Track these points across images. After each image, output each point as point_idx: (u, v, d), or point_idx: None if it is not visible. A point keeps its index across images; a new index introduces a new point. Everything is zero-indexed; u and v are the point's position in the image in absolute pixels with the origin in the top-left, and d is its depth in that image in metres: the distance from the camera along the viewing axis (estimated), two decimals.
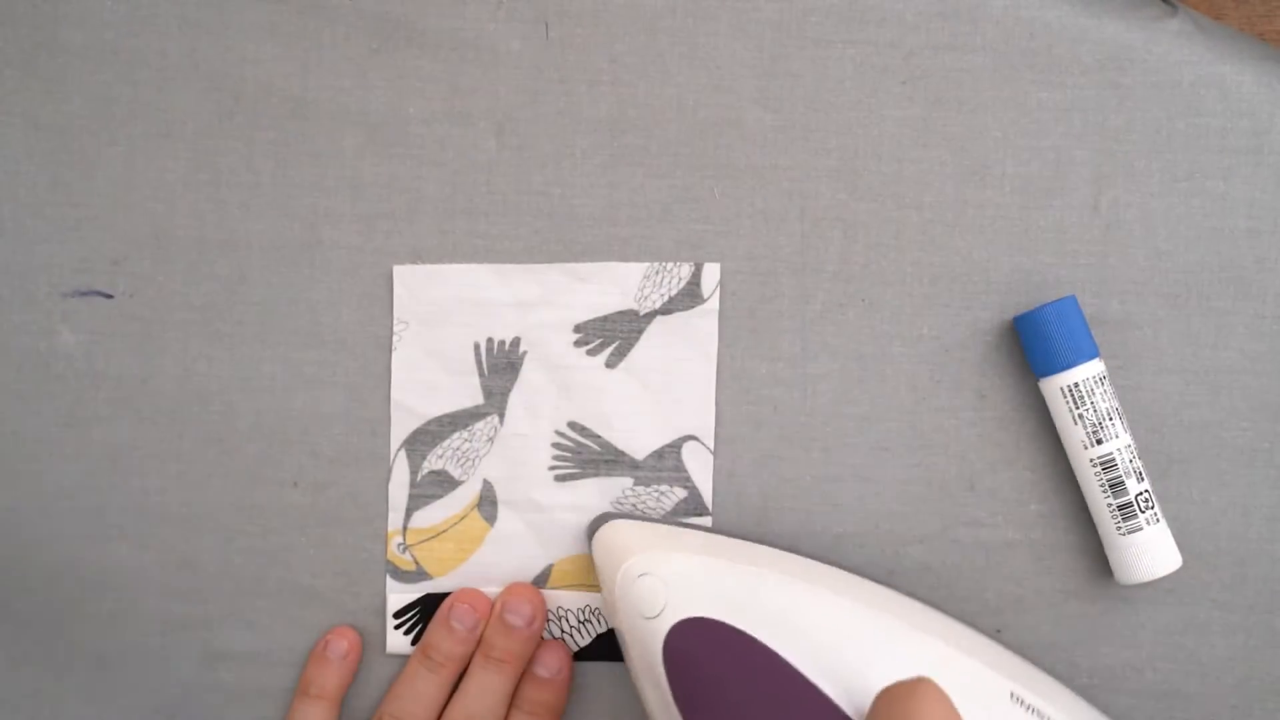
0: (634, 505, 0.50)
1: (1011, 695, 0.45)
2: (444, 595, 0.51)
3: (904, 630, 0.46)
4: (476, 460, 0.51)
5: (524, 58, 0.50)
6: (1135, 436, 0.50)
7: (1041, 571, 0.50)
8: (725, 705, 0.45)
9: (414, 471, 0.51)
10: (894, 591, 0.49)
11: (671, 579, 0.47)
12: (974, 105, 0.50)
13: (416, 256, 0.50)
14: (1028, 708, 0.45)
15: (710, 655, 0.45)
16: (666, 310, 0.50)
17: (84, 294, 0.50)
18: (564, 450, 0.51)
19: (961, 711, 0.42)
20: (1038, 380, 0.49)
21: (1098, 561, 0.50)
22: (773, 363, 0.50)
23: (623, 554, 0.48)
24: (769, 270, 0.50)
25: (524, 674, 0.50)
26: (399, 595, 0.51)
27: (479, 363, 0.50)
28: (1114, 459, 0.48)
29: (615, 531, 0.49)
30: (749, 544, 0.49)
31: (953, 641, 0.47)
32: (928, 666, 0.45)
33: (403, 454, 0.51)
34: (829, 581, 0.47)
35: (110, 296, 0.50)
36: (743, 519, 0.50)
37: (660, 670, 0.46)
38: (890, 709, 0.39)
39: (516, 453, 0.51)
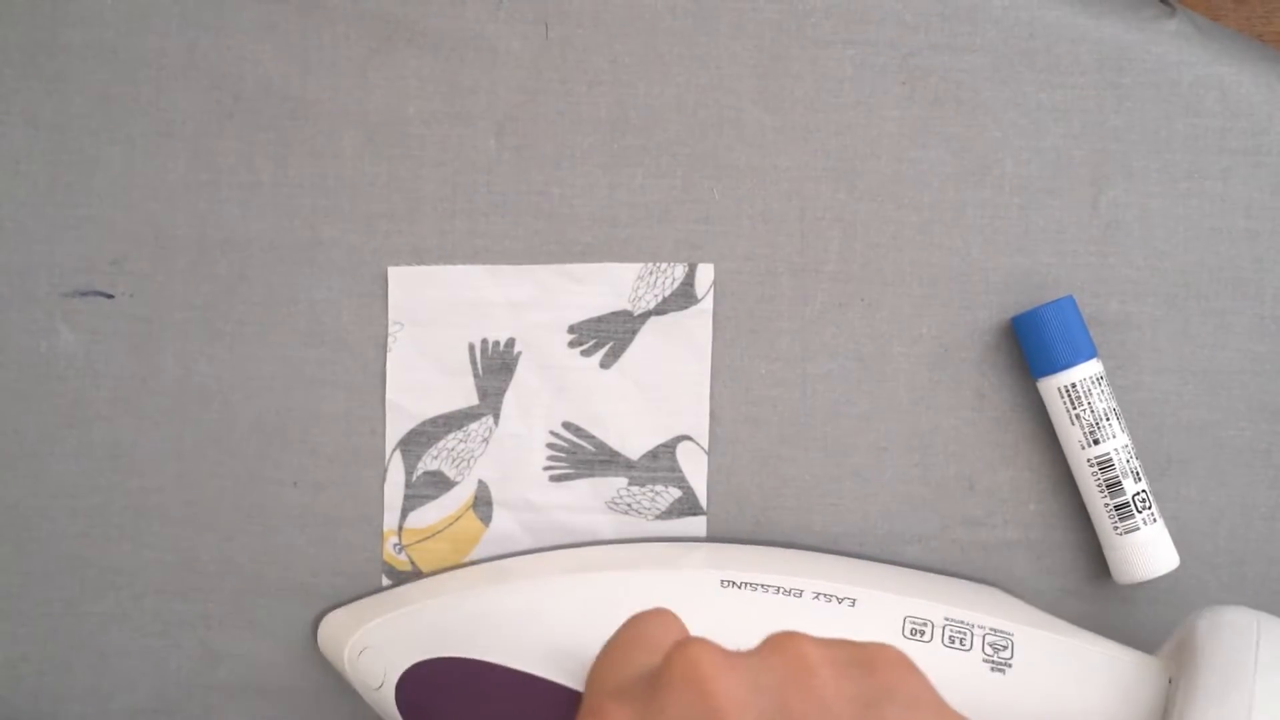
0: (629, 505, 0.50)
1: (722, 582, 0.46)
2: None
3: (606, 577, 0.47)
4: (471, 461, 0.51)
5: (524, 58, 0.50)
6: (1134, 436, 0.50)
7: (1040, 571, 0.50)
8: None
9: (409, 472, 0.51)
10: (605, 546, 0.50)
11: (384, 643, 0.47)
12: (973, 105, 0.50)
13: (416, 256, 0.50)
14: (740, 585, 0.46)
15: (438, 694, 0.46)
16: (661, 311, 0.50)
17: (84, 294, 0.51)
18: (559, 451, 0.51)
19: (679, 611, 0.41)
20: (1035, 380, 0.49)
21: (1096, 561, 0.50)
22: (772, 362, 0.50)
23: (340, 641, 0.49)
24: (768, 270, 0.50)
25: None
26: None
27: (474, 363, 0.50)
28: (1111, 459, 0.48)
29: (327, 625, 0.50)
30: (452, 573, 0.50)
31: (660, 560, 0.48)
32: (632, 599, 0.44)
33: (398, 454, 0.51)
34: (527, 570, 0.48)
35: (110, 296, 0.51)
36: (741, 519, 0.50)
37: None
38: (610, 651, 0.37)
39: (511, 453, 0.51)
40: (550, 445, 0.51)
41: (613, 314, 0.50)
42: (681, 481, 0.50)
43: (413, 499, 0.51)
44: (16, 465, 0.51)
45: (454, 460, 0.51)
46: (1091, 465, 0.48)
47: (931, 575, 0.49)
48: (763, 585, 0.46)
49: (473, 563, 0.51)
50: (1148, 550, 0.48)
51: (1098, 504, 0.48)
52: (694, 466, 0.50)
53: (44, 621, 0.51)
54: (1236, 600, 0.50)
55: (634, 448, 0.50)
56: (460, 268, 0.50)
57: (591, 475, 0.51)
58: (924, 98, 0.50)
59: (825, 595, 0.46)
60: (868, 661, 0.34)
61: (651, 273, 0.50)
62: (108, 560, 0.51)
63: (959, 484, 0.50)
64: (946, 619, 0.45)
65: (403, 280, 0.50)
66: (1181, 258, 0.50)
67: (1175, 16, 0.50)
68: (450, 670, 0.46)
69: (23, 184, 0.50)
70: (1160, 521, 0.48)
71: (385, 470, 0.51)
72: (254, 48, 0.50)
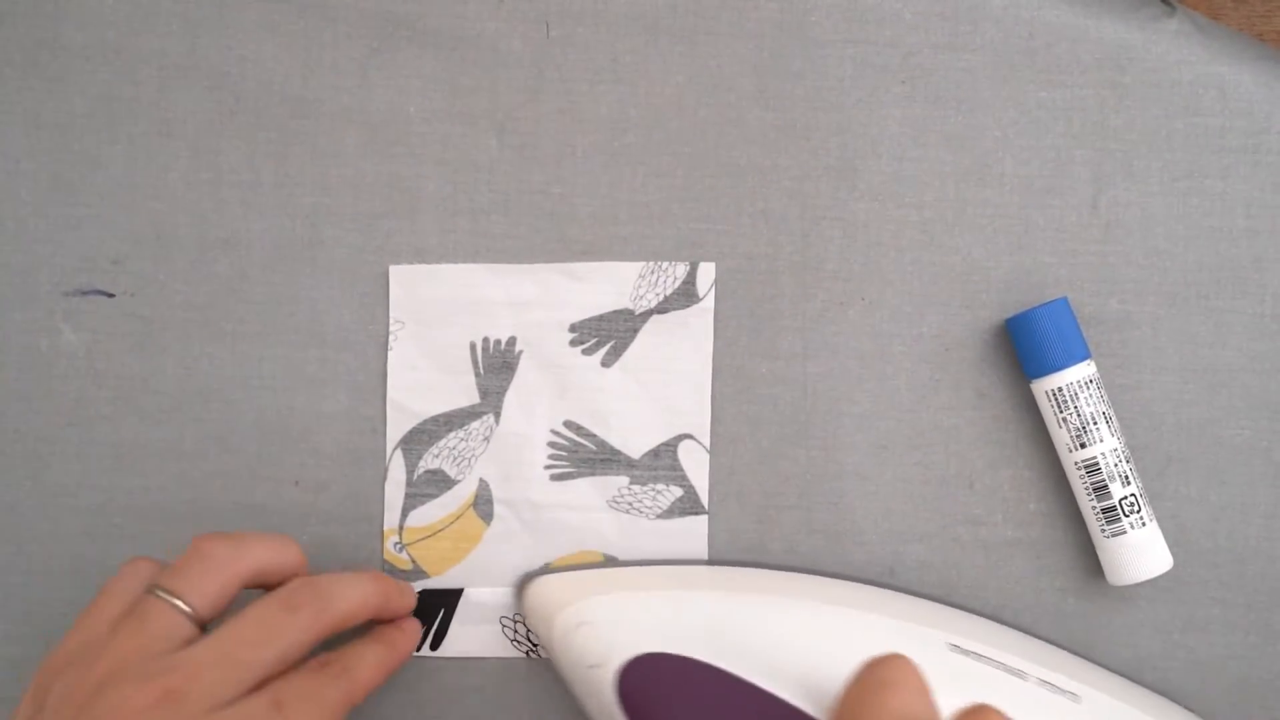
0: (630, 504, 0.50)
1: (950, 646, 0.45)
2: (441, 592, 0.51)
3: (844, 612, 0.46)
4: (472, 459, 0.51)
5: (525, 57, 0.50)
6: (1133, 435, 0.50)
7: (1040, 570, 0.50)
8: None
9: (410, 471, 0.51)
10: (832, 579, 0.49)
11: (607, 623, 0.47)
12: (973, 105, 0.50)
13: (417, 256, 0.50)
14: (967, 654, 0.45)
15: (663, 690, 0.45)
16: (662, 309, 0.50)
17: (85, 293, 0.51)
18: (560, 449, 0.51)
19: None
20: (1029, 382, 0.49)
21: (1095, 560, 0.50)
22: (773, 361, 0.50)
23: (554, 608, 0.48)
24: (769, 269, 0.50)
25: None
26: None
27: (475, 362, 0.50)
28: (1097, 463, 0.47)
29: (542, 587, 0.49)
30: (680, 568, 0.49)
31: (884, 608, 0.47)
32: (864, 641, 0.45)
33: (399, 453, 0.51)
34: (763, 585, 0.48)
35: (111, 295, 0.51)
36: (742, 518, 0.50)
37: (619, 716, 0.46)
38: (861, 691, 0.38)
39: (512, 452, 0.51)
40: (551, 444, 0.51)
41: (614, 312, 0.50)
42: (683, 480, 0.50)
43: (414, 498, 0.51)
44: (16, 465, 0.51)
45: (455, 459, 0.51)
46: (1079, 468, 0.48)
47: (1150, 692, 0.49)
48: (989, 659, 0.45)
49: (684, 561, 0.50)
50: (1136, 553, 0.48)
51: (1086, 506, 0.48)
52: (695, 465, 0.50)
53: (44, 621, 0.51)
54: (1235, 600, 0.50)
55: (635, 446, 0.50)
56: (461, 266, 0.50)
57: (593, 474, 0.51)
58: (924, 97, 0.50)
59: (1049, 684, 0.45)
60: None
61: (653, 271, 0.50)
62: (108, 560, 0.51)
63: (959, 483, 0.50)
64: None
65: (404, 279, 0.50)
66: (1181, 257, 0.50)
67: (1175, 16, 0.50)
68: (678, 668, 0.45)
69: (24, 183, 0.50)
70: (1152, 524, 0.48)
71: (386, 469, 0.51)
72: (255, 47, 0.50)
